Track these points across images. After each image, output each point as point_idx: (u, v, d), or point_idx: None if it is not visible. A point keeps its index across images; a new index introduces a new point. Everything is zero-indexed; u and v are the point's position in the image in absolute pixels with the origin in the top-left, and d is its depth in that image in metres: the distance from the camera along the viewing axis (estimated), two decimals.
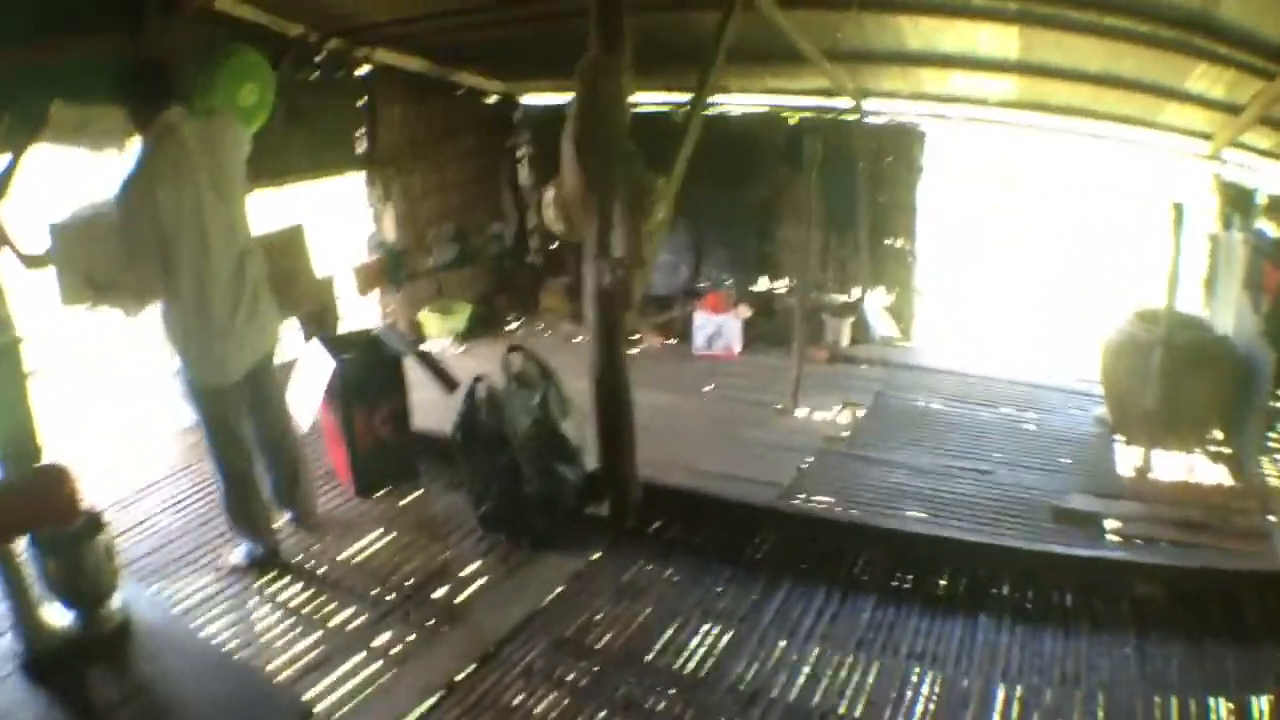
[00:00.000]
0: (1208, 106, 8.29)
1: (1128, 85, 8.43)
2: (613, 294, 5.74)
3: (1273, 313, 7.76)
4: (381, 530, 6.31)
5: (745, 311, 11.04)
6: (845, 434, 8.33)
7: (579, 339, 10.18)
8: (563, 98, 11.94)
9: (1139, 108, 9.16)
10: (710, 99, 10.93)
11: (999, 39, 8.04)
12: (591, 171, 5.80)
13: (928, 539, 6.27)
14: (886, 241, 11.28)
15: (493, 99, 11.79)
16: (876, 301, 11.28)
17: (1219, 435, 7.92)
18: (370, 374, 6.74)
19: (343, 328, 8.93)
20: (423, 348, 8.03)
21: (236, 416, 5.55)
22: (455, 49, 9.66)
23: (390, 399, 6.82)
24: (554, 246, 12.10)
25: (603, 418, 6.10)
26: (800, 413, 8.81)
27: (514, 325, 11.76)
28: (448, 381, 6.70)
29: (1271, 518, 6.64)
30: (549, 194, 6.28)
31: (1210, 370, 7.68)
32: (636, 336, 11.16)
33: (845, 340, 11.06)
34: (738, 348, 10.87)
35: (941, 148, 11.35)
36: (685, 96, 11.62)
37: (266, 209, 7.99)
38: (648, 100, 11.29)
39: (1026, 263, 14.16)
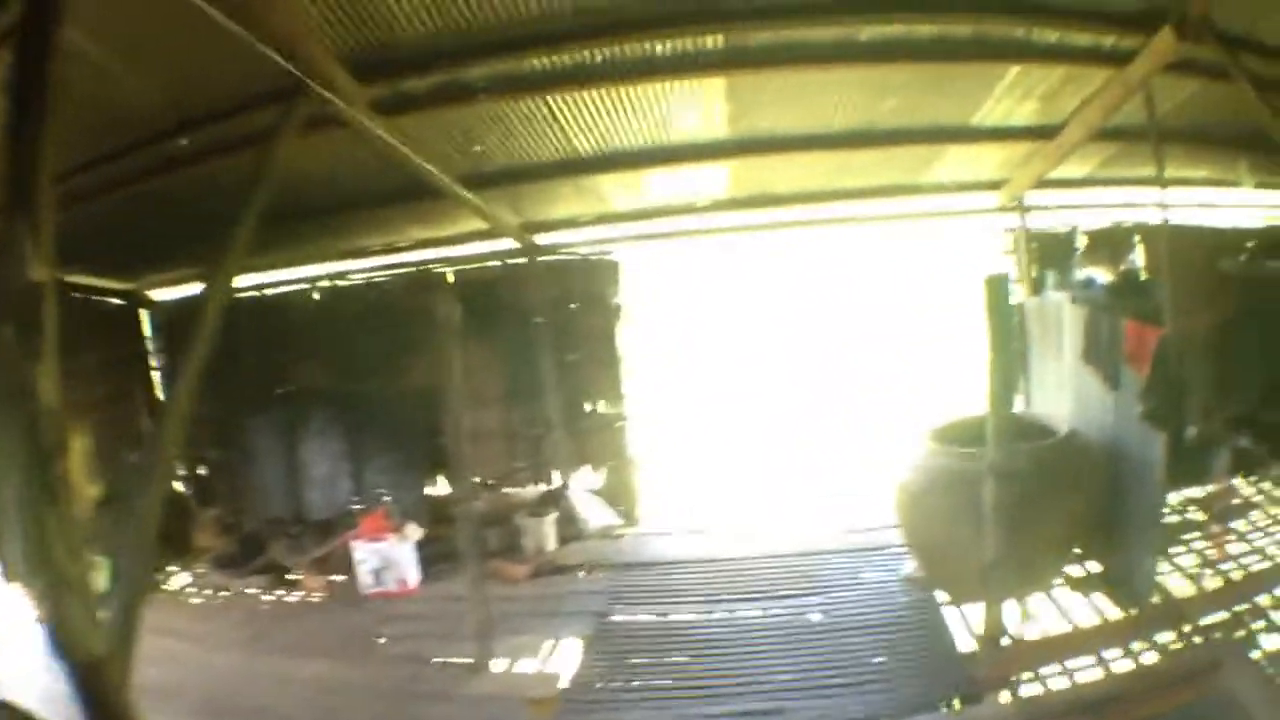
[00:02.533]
0: (1006, 139, 7.16)
1: (889, 139, 7.06)
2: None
3: (1153, 385, 6.05)
4: None
5: (415, 532, 8.43)
6: (562, 686, 6.11)
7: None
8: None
9: (904, 168, 7.87)
10: (328, 264, 9.51)
11: (700, 103, 6.36)
12: None
13: None
14: (587, 408, 9.57)
15: (116, 300, 9.74)
16: (585, 485, 9.48)
17: (1081, 553, 6.64)
18: None
19: None
20: None
21: None
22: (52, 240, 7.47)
23: None
24: (203, 471, 10.13)
25: None
26: (497, 664, 6.44)
27: (168, 575, 9.20)
28: None
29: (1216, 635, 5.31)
30: None
31: (1067, 486, 6.04)
32: (292, 579, 8.65)
33: (551, 543, 8.69)
34: (414, 579, 8.16)
35: (645, 277, 9.43)
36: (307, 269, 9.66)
37: None
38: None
39: (779, 396, 12.00)
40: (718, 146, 7.09)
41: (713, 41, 5.34)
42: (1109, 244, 8.48)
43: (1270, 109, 5.39)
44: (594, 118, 6.33)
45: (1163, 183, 6.46)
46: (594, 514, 9.14)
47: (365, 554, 8.14)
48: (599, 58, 5.43)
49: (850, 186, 8.35)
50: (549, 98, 5.87)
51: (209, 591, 8.71)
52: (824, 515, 8.81)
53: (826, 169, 7.82)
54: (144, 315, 10.00)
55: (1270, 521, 7.14)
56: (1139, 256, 8.45)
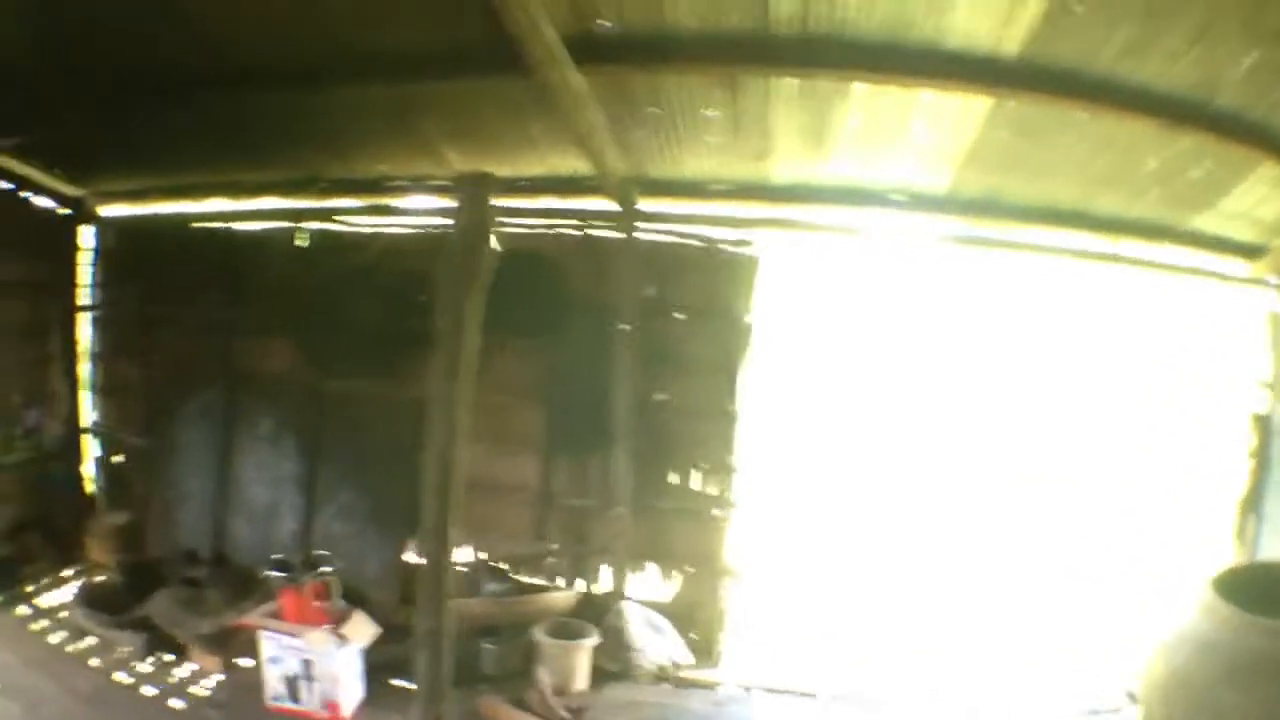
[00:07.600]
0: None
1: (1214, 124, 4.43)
2: None
3: None
4: None
5: (363, 630, 5.35)
6: None
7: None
8: (163, 208, 7.63)
9: (1177, 196, 5.35)
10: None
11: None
12: None
13: None
14: (672, 478, 6.48)
15: (53, 205, 7.67)
16: (644, 595, 6.47)
17: None
18: None
19: None
20: None
21: None
22: None
23: None
24: (121, 459, 7.89)
25: None
26: None
27: (40, 585, 6.88)
28: None
29: None
30: None
31: None
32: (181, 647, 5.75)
33: (581, 680, 5.66)
34: (352, 702, 5.12)
35: (797, 289, 6.89)
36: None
37: None
38: None
39: (969, 492, 8.60)
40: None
41: None
42: None
43: None
44: None
45: None
46: (652, 643, 5.99)
47: (277, 650, 5.07)
48: None
49: (1098, 214, 5.65)
50: None
51: (63, 633, 6.09)
52: (1023, 684, 5.86)
53: (1091, 176, 5.17)
54: (85, 232, 7.88)
55: None
56: None
